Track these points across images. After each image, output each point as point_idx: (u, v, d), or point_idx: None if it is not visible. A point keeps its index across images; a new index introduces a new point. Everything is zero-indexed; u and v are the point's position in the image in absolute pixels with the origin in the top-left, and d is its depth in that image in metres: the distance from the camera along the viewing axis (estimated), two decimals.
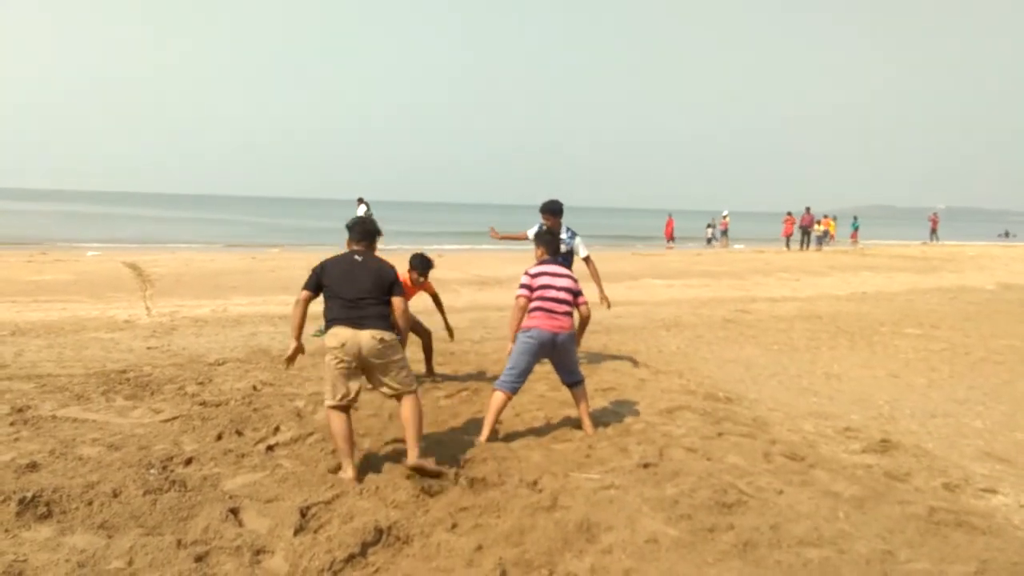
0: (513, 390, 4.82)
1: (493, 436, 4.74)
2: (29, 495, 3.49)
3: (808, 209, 29.58)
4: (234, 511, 3.53)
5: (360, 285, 4.16)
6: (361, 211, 22.07)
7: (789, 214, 30.98)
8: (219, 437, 4.66)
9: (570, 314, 4.92)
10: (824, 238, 30.98)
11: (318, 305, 4.26)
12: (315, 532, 3.38)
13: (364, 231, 4.45)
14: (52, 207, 69.38)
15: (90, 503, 3.53)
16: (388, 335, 4.13)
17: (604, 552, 3.26)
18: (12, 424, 4.77)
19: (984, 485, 4.28)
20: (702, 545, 3.34)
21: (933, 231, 37.95)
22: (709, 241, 34.24)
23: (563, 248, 6.49)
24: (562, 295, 4.88)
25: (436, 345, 6.58)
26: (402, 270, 5.69)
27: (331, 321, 4.15)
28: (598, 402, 5.64)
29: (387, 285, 4.24)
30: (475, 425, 4.96)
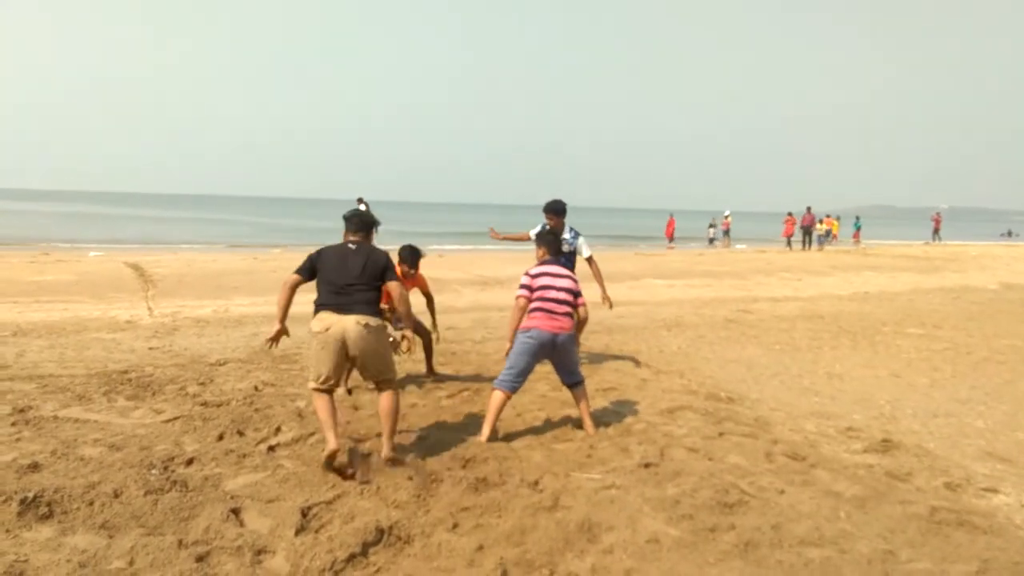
0: (512, 389, 4.82)
1: (494, 436, 4.74)
2: (31, 495, 3.50)
3: (809, 209, 29.57)
4: (235, 511, 3.53)
5: (351, 271, 4.20)
6: None
7: (790, 214, 30.97)
8: (220, 437, 4.66)
9: (571, 315, 4.92)
10: (826, 238, 30.95)
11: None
12: (316, 532, 3.38)
13: (361, 222, 4.48)
14: (53, 207, 69.48)
15: (91, 503, 3.53)
16: (373, 320, 4.15)
17: (605, 552, 3.26)
18: (14, 424, 4.77)
19: (986, 485, 4.27)
20: (703, 545, 3.34)
21: (936, 231, 37.93)
22: (711, 241, 34.22)
23: (566, 248, 6.48)
24: (563, 296, 4.88)
25: (438, 346, 6.59)
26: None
27: (319, 306, 4.20)
28: (599, 402, 5.64)
29: (379, 271, 4.26)
30: (476, 425, 4.96)
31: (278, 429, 4.84)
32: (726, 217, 34.61)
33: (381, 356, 4.24)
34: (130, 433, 4.69)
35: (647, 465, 4.27)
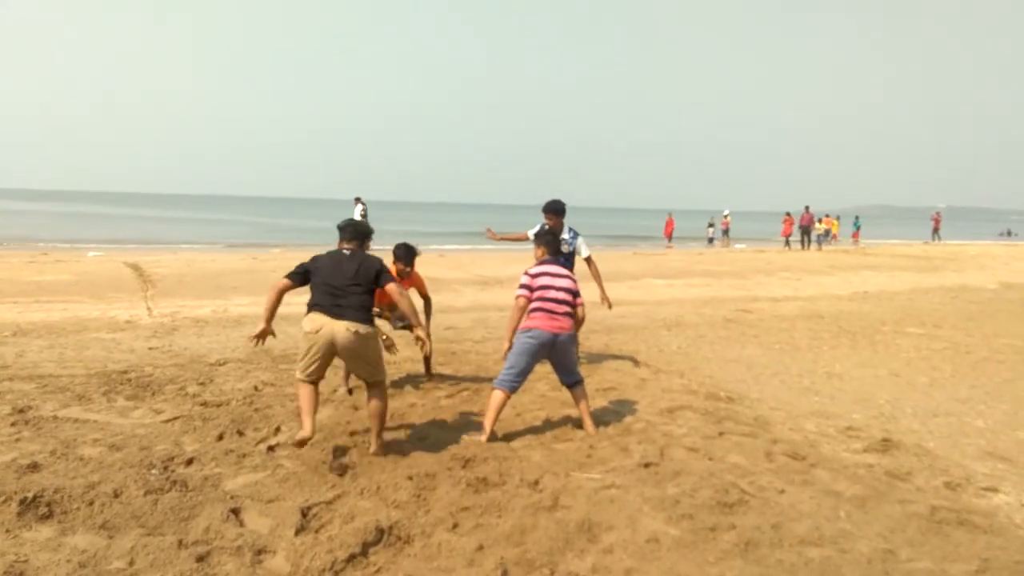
0: (512, 389, 4.82)
1: (493, 436, 4.74)
2: (30, 495, 3.50)
3: (807, 208, 29.57)
4: (235, 511, 3.53)
5: (345, 274, 4.28)
6: (358, 210, 22.09)
7: (788, 214, 30.97)
8: (220, 437, 4.66)
9: (570, 315, 4.92)
10: (825, 237, 30.95)
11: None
12: (316, 532, 3.38)
13: (356, 232, 4.56)
14: (52, 207, 69.42)
15: (91, 503, 3.53)
16: (364, 328, 4.22)
17: (605, 552, 3.26)
18: (13, 424, 4.77)
19: (986, 484, 4.27)
20: (703, 544, 3.34)
21: (935, 230, 37.94)
22: (710, 241, 34.22)
23: (565, 249, 6.47)
24: (562, 295, 4.88)
25: (436, 345, 6.58)
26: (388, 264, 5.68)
27: (311, 306, 4.27)
28: (599, 402, 5.64)
29: (372, 274, 4.33)
30: (476, 424, 4.96)
31: (278, 429, 4.85)
32: (725, 216, 34.60)
33: (368, 361, 4.34)
34: (130, 433, 4.69)
35: (647, 465, 4.27)
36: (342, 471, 4.10)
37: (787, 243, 30.11)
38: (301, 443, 4.18)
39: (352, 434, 4.77)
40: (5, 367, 6.37)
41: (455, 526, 3.49)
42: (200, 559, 3.06)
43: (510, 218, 57.60)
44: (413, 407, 5.49)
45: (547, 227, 6.51)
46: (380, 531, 3.33)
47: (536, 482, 4.00)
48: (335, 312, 4.17)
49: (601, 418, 5.20)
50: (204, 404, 5.38)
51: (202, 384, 6.00)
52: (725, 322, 10.09)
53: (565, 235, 6.62)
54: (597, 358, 7.39)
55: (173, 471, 4.04)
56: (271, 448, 4.50)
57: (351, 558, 3.12)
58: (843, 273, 18.34)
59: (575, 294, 4.95)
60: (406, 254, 5.91)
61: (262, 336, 4.41)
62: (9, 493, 3.52)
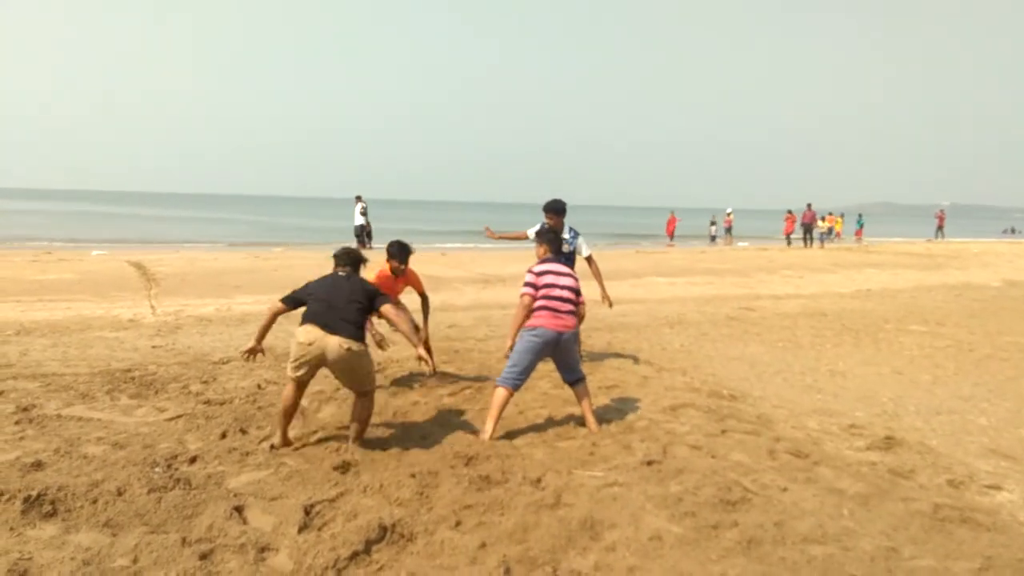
0: (515, 386, 4.82)
1: (496, 434, 4.74)
2: (34, 493, 3.50)
3: (809, 206, 29.53)
4: (238, 509, 3.54)
5: (341, 292, 4.42)
6: (359, 209, 22.02)
7: (790, 212, 30.93)
8: (223, 435, 4.67)
9: (574, 313, 4.92)
10: (828, 235, 30.91)
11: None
12: (319, 530, 3.38)
13: (350, 259, 4.72)
14: (55, 207, 69.53)
15: (95, 501, 3.54)
16: (356, 345, 4.29)
17: (608, 549, 3.26)
18: (17, 423, 4.78)
19: (989, 482, 4.27)
20: (706, 542, 3.34)
21: (939, 228, 37.87)
22: (712, 239, 34.19)
23: (566, 248, 6.47)
24: (566, 294, 4.88)
25: (439, 344, 6.58)
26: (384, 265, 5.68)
27: (307, 318, 4.35)
28: (601, 400, 5.64)
29: (368, 296, 4.46)
30: (478, 422, 4.97)
31: None
32: (728, 214, 34.55)
33: (358, 375, 4.42)
34: (133, 431, 4.70)
35: (650, 463, 4.27)
36: (345, 469, 4.11)
37: (789, 241, 30.07)
38: (273, 447, 4.42)
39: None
40: (9, 365, 6.38)
41: (458, 524, 3.49)
42: (203, 557, 3.07)
43: (510, 217, 57.58)
44: (416, 405, 5.49)
45: (547, 226, 6.50)
46: (383, 529, 3.33)
47: (539, 480, 4.00)
48: (329, 327, 4.26)
49: (604, 416, 5.20)
50: (207, 402, 5.39)
51: (205, 382, 6.01)
52: (727, 320, 10.08)
53: (566, 235, 6.61)
54: (599, 356, 7.39)
55: (176, 469, 4.05)
56: (274, 446, 4.50)
57: (354, 556, 3.13)
58: (846, 271, 18.32)
59: (578, 292, 4.96)
60: (400, 251, 5.85)
61: (252, 353, 4.58)
62: (13, 491, 3.53)
